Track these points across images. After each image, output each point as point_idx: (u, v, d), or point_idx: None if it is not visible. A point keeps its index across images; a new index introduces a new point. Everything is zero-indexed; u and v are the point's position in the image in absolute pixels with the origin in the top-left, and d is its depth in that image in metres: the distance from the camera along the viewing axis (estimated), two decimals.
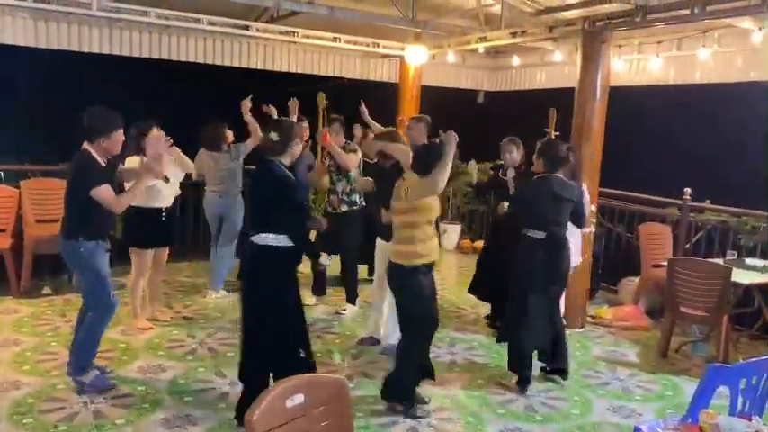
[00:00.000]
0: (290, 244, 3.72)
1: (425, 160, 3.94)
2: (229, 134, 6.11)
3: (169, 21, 6.74)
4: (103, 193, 3.98)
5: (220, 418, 3.94)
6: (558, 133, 5.90)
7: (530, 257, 4.50)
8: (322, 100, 6.26)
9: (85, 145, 4.05)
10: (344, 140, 5.87)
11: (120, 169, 4.38)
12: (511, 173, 5.45)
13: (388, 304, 5.01)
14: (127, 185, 4.52)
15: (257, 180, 3.99)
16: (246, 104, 5.78)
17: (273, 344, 3.75)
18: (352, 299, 6.11)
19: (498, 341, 5.01)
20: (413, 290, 4.00)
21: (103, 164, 4.08)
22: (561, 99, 6.60)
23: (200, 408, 4.07)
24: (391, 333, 4.96)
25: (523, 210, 4.66)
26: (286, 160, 3.82)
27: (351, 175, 5.76)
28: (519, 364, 4.62)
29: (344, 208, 5.84)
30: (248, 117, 5.81)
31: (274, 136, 3.79)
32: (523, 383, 4.59)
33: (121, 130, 4.14)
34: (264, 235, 3.71)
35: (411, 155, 4.14)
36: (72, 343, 4.35)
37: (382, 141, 4.64)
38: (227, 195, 6.14)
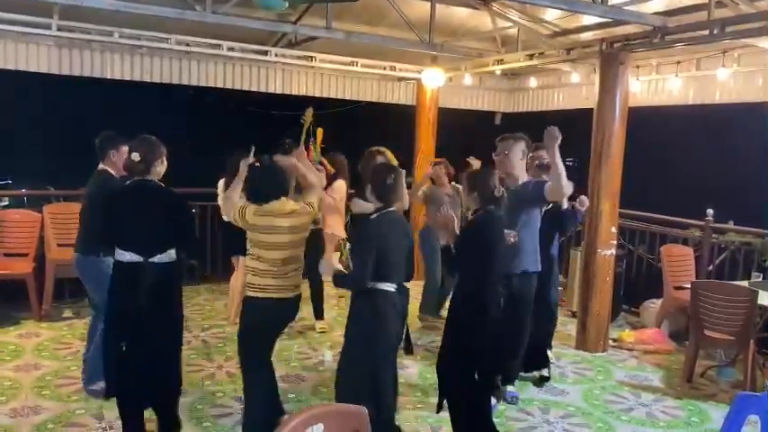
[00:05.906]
0: None
1: None
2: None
3: (190, 47, 6.84)
4: None
5: None
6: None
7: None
8: (310, 115, 5.71)
9: (100, 165, 4.39)
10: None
11: None
12: None
13: None
14: None
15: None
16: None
17: None
18: (322, 315, 6.25)
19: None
20: None
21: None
22: (579, 120, 6.57)
23: None
24: None
25: None
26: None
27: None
28: None
29: (312, 227, 5.80)
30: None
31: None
32: None
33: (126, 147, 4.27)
34: None
35: None
36: (84, 355, 4.50)
37: None
38: None
